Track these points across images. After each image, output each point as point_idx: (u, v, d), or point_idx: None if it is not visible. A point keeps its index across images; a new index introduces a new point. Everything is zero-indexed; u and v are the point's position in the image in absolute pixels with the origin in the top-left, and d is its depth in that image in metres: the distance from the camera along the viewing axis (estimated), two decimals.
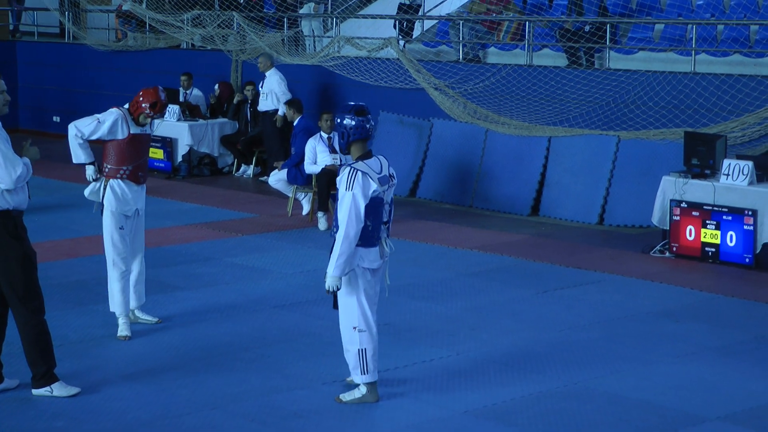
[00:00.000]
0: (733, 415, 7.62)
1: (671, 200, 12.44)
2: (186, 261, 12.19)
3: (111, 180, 9.24)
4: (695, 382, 8.29)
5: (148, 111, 9.23)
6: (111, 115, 9.21)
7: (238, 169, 18.45)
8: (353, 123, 7.57)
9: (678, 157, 13.01)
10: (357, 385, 7.84)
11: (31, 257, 7.78)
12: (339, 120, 7.62)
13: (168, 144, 18.27)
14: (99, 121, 9.17)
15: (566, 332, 9.58)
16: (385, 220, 7.69)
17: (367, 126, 7.61)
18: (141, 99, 9.24)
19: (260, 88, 17.82)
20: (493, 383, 8.23)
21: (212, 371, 8.49)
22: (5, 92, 7.79)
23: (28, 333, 7.80)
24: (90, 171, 9.38)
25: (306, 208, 14.85)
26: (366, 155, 7.62)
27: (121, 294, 9.33)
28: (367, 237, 7.56)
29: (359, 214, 7.44)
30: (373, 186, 7.49)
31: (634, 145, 14.19)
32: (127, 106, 9.39)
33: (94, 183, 9.35)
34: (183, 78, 19.05)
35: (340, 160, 13.95)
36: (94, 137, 9.19)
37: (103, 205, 9.26)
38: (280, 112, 17.30)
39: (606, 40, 15.45)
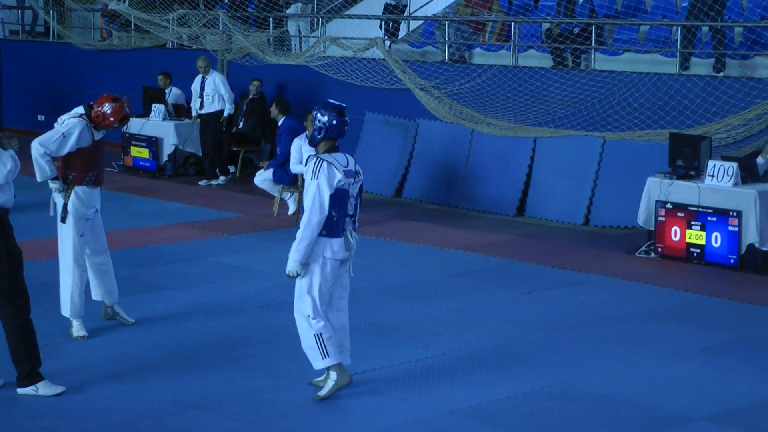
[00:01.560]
0: (719, 415, 7.64)
1: (656, 201, 12.47)
2: (171, 260, 12.16)
3: (76, 187, 9.14)
4: (681, 382, 8.31)
5: (117, 125, 9.20)
6: (75, 127, 9.01)
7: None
8: (334, 122, 7.67)
9: (663, 158, 13.03)
10: (327, 377, 7.83)
11: (17, 255, 7.75)
12: (319, 114, 7.69)
13: (153, 143, 18.22)
14: (64, 136, 8.96)
15: (552, 333, 9.59)
16: (350, 213, 7.77)
17: (345, 128, 7.74)
18: (107, 113, 9.08)
19: (198, 90, 17.56)
20: (479, 383, 8.23)
21: (197, 371, 8.47)
22: None
23: (13, 332, 7.77)
24: (55, 185, 9.15)
25: (292, 208, 14.84)
26: (332, 149, 7.72)
27: (80, 299, 9.28)
28: (333, 227, 7.65)
29: (323, 203, 7.53)
30: (338, 176, 7.57)
31: (620, 146, 14.22)
32: (81, 110, 9.25)
33: (57, 191, 9.20)
34: (160, 77, 18.99)
35: None
36: (63, 153, 8.99)
37: (66, 212, 9.12)
38: (226, 113, 17.39)
39: (591, 42, 15.47)
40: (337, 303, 7.90)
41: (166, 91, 18.94)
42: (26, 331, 7.79)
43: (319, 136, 7.70)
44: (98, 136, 9.21)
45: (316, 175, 7.54)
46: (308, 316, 7.71)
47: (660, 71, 14.62)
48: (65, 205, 9.13)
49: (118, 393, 7.96)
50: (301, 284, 7.74)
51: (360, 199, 7.91)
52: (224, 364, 8.63)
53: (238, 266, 11.94)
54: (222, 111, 17.50)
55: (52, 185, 9.21)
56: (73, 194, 9.13)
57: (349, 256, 7.82)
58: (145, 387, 8.09)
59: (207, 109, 17.58)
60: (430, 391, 8.06)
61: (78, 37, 22.90)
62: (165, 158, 18.24)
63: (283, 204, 14.98)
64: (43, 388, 7.85)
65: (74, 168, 9.12)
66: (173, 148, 18.17)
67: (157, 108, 18.35)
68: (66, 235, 9.23)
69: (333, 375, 7.78)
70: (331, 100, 7.86)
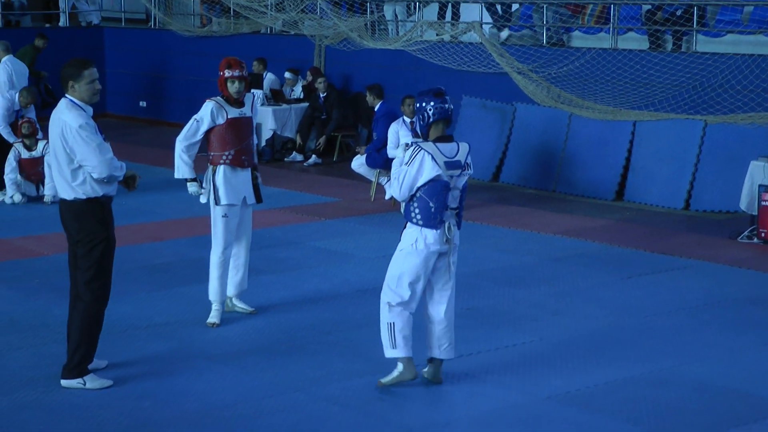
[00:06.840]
0: None
1: (760, 185, 12.23)
2: (269, 245, 12.26)
3: (217, 166, 9.23)
4: None
5: (228, 74, 9.19)
6: (205, 108, 9.19)
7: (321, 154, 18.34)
8: (432, 103, 7.55)
9: (766, 142, 12.79)
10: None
11: (112, 245, 7.74)
12: (419, 104, 7.60)
13: None
14: (197, 120, 9.19)
15: (651, 318, 9.48)
16: (455, 206, 7.64)
17: (446, 106, 7.58)
18: (220, 73, 9.25)
19: None
20: (576, 369, 8.17)
21: (295, 354, 8.54)
22: (96, 81, 7.72)
23: (84, 319, 7.69)
24: (193, 188, 9.30)
25: (389, 193, 14.85)
26: (442, 138, 7.59)
27: (218, 281, 9.32)
28: (429, 218, 7.54)
29: (404, 187, 7.46)
30: (435, 168, 7.44)
31: (722, 129, 13.98)
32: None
33: (196, 187, 9.32)
34: (255, 63, 19.14)
35: None
36: (199, 136, 9.17)
37: (214, 192, 9.19)
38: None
39: (693, 23, 15.22)
40: (438, 296, 7.82)
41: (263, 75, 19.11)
42: (95, 322, 7.73)
43: (423, 124, 7.59)
44: (233, 113, 9.26)
45: (410, 162, 7.46)
46: (388, 302, 7.69)
47: (764, 53, 14.32)
48: (214, 184, 9.22)
49: (216, 376, 8.06)
50: (390, 272, 7.70)
51: (465, 191, 7.77)
52: (321, 348, 8.69)
53: (336, 251, 12.01)
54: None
55: (190, 187, 9.32)
56: (215, 174, 9.21)
57: (448, 249, 7.73)
58: (243, 370, 8.19)
59: None
60: (527, 376, 8.02)
61: (178, 24, 23.21)
62: (263, 143, 18.41)
63: (380, 188, 15.00)
64: (90, 382, 7.77)
65: (211, 147, 9.25)
66: (271, 133, 18.32)
67: (256, 93, 18.48)
68: (211, 215, 9.34)
69: (399, 366, 7.76)
70: (428, 88, 7.80)
